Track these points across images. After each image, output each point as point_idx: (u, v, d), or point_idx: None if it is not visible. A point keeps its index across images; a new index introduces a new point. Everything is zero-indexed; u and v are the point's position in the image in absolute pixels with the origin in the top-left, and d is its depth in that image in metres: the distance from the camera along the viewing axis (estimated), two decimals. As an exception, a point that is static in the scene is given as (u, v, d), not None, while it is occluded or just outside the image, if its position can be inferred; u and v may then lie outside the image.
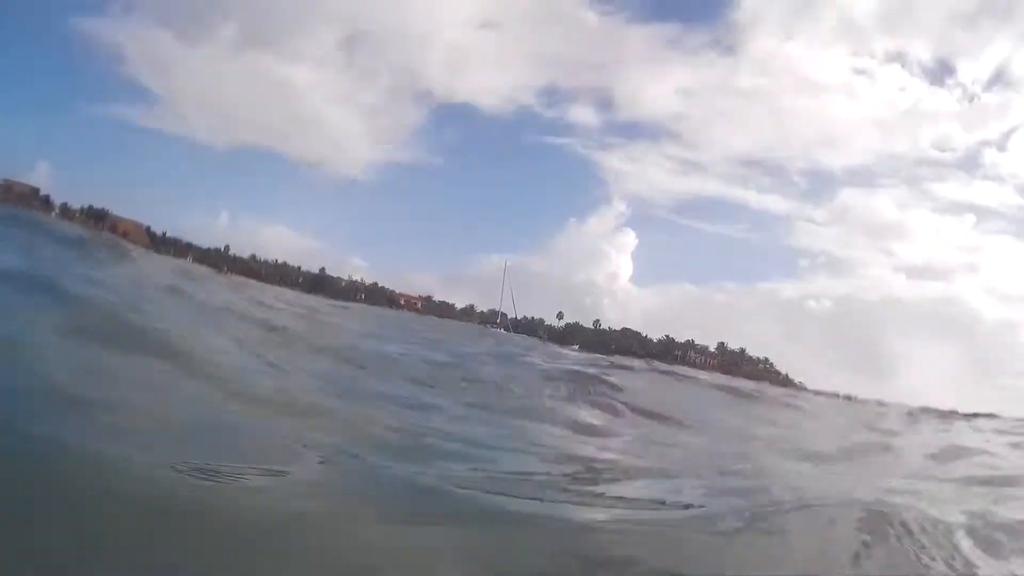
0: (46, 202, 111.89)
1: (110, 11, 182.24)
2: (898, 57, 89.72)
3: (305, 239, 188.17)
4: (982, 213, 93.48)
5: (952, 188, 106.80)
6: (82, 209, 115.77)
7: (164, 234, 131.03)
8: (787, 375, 73.68)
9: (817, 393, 43.63)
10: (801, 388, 58.10)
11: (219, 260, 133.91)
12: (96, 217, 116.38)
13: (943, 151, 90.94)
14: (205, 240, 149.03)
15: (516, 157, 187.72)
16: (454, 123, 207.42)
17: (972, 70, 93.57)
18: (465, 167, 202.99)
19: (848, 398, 38.90)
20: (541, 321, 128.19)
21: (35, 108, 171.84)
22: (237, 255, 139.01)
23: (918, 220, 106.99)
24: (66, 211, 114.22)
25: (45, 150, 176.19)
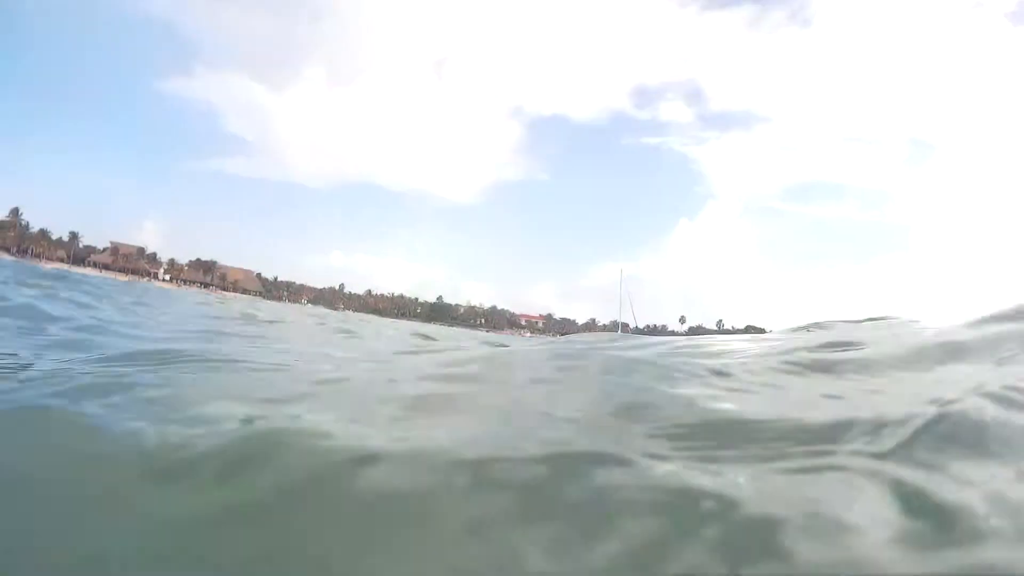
0: (153, 259, 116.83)
1: (195, 71, 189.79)
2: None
3: (418, 268, 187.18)
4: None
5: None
6: (190, 262, 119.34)
7: (276, 278, 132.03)
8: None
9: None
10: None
11: (334, 298, 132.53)
12: (205, 268, 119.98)
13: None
14: (320, 280, 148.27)
15: (616, 162, 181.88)
16: (551, 137, 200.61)
17: None
18: (568, 178, 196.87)
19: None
20: (664, 327, 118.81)
21: (136, 170, 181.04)
22: (352, 292, 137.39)
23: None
24: (173, 266, 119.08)
25: (149, 210, 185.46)
